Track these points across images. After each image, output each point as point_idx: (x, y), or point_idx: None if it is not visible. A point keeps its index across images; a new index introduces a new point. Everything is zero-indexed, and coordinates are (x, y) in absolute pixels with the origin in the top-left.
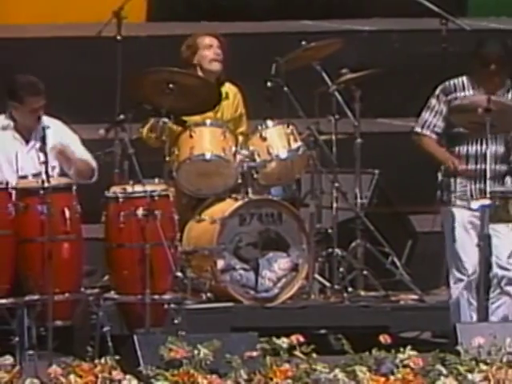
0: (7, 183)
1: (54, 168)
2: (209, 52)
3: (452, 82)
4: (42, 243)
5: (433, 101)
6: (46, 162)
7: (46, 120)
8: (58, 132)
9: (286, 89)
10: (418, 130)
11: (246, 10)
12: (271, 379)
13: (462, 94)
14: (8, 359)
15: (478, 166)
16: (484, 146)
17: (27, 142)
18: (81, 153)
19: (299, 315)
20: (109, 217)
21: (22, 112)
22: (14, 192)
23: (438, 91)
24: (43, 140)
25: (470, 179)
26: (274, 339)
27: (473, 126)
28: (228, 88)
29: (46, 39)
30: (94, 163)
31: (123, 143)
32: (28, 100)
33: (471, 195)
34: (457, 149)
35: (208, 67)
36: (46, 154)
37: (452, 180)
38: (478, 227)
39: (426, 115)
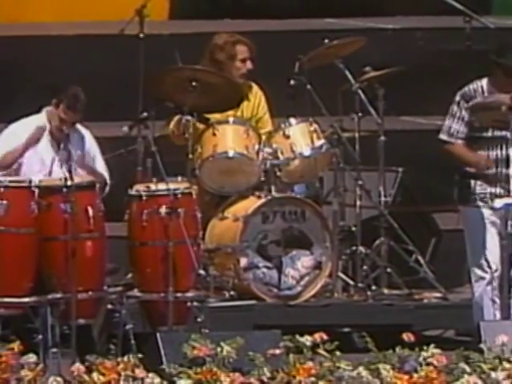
0: (30, 181)
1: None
2: (242, 66)
3: (471, 87)
4: (65, 241)
5: (454, 107)
6: (69, 161)
7: (80, 128)
8: (86, 142)
9: (309, 87)
10: (444, 137)
11: (269, 8)
12: (294, 377)
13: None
14: (31, 357)
15: (499, 170)
16: (504, 151)
17: (59, 145)
18: (98, 165)
19: (322, 313)
20: (132, 215)
21: (53, 114)
22: (36, 190)
23: (458, 97)
24: (67, 138)
25: (491, 183)
26: (298, 337)
27: (496, 125)
28: (249, 87)
29: (69, 37)
30: (107, 177)
31: (146, 141)
32: (63, 110)
33: (491, 197)
34: (478, 153)
35: (237, 79)
36: (69, 153)
37: (472, 181)
38: (499, 226)
39: (449, 122)
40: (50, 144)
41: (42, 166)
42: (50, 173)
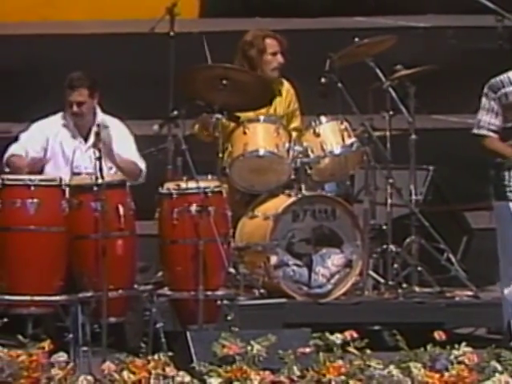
0: (61, 180)
1: (110, 168)
2: (273, 59)
3: (498, 78)
4: (95, 240)
5: (483, 100)
6: (99, 159)
7: (104, 118)
8: (114, 130)
9: (339, 85)
10: (476, 131)
11: (300, 7)
12: (324, 375)
13: (510, 88)
14: (62, 356)
15: None
16: None
17: (86, 140)
18: (131, 153)
19: (353, 311)
20: (162, 213)
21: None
22: (67, 189)
23: (486, 89)
24: (97, 136)
25: None
26: (328, 335)
27: None
28: (281, 84)
29: (100, 36)
30: (143, 165)
31: (176, 139)
32: (65, 92)
33: None
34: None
35: (268, 73)
36: (100, 151)
37: (506, 174)
38: None
39: (480, 115)
40: (77, 140)
41: (66, 162)
42: (72, 164)
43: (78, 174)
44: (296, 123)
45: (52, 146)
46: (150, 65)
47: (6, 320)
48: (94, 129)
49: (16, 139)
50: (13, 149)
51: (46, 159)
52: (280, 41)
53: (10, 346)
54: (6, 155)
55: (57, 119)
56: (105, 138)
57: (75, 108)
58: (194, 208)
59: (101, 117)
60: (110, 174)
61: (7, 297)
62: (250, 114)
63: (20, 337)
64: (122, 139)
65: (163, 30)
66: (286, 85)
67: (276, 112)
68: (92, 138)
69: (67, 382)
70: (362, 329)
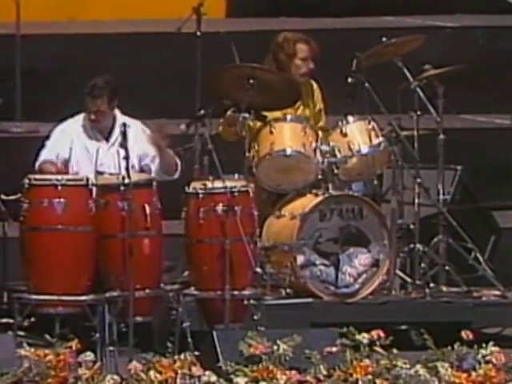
0: (87, 179)
1: (133, 167)
2: (303, 65)
3: None
4: (122, 239)
5: None
6: (127, 158)
7: (124, 119)
8: (137, 132)
9: (366, 84)
10: None
11: (327, 6)
12: (351, 375)
13: None
14: (89, 355)
15: None
16: None
17: (107, 139)
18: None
19: (380, 311)
20: (189, 213)
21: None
22: (94, 188)
23: None
24: (124, 136)
25: None
26: (353, 330)
27: None
28: (311, 86)
29: (126, 35)
30: (177, 160)
31: (203, 138)
32: (86, 99)
33: None
34: None
35: (297, 78)
36: (126, 150)
37: None
38: None
39: None
40: (99, 139)
41: (89, 162)
42: (96, 163)
43: (102, 173)
44: (322, 122)
45: (76, 146)
46: (177, 64)
47: (33, 319)
48: (120, 129)
49: (42, 145)
50: (43, 155)
51: (71, 159)
52: (312, 46)
53: (38, 346)
54: (38, 162)
55: (79, 120)
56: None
57: (93, 116)
58: (220, 207)
59: (121, 119)
60: (137, 173)
61: (35, 296)
62: (277, 114)
63: (47, 336)
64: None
65: (190, 29)
66: (313, 85)
67: (303, 113)
68: (114, 138)
69: (94, 382)
70: (389, 328)
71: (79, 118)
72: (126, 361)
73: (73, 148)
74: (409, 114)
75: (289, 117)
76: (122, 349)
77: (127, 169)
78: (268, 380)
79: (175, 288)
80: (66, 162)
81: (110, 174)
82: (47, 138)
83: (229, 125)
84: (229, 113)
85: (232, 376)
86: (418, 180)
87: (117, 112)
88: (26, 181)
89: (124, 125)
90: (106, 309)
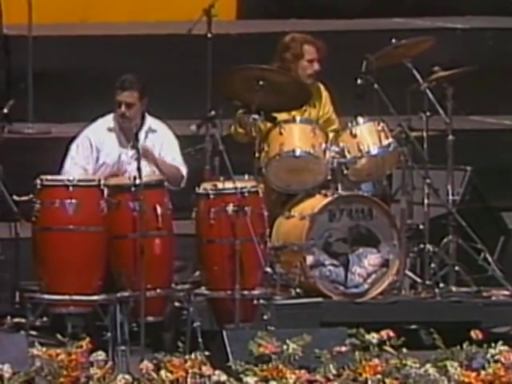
0: (99, 180)
1: (154, 171)
2: (309, 66)
3: None
4: (133, 239)
5: None
6: (138, 159)
7: (153, 122)
8: (160, 135)
9: (376, 86)
10: None
11: (337, 8)
12: (360, 374)
13: None
14: (101, 355)
15: None
16: None
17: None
18: (174, 158)
19: (389, 310)
20: (199, 213)
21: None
22: (106, 189)
23: None
24: (136, 138)
25: None
26: (363, 333)
27: None
28: (316, 88)
29: (138, 37)
30: (184, 171)
31: (214, 139)
32: (115, 92)
33: None
34: None
35: (303, 79)
36: (138, 151)
37: None
38: None
39: None
40: (123, 144)
41: (112, 165)
42: (120, 167)
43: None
44: (334, 126)
45: (99, 153)
46: (188, 66)
47: (45, 319)
48: (142, 135)
49: (66, 151)
50: (68, 166)
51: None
52: (319, 48)
53: (50, 345)
54: (63, 172)
55: (103, 123)
56: (147, 153)
57: (123, 108)
58: (230, 208)
59: (149, 121)
60: (149, 174)
61: (47, 296)
62: (286, 115)
63: (59, 336)
64: (168, 144)
65: (200, 31)
66: (321, 88)
67: (310, 115)
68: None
69: (106, 381)
70: (399, 328)
71: (103, 122)
72: (138, 360)
73: (96, 156)
74: (418, 115)
75: (298, 118)
76: (133, 348)
77: (139, 169)
78: (278, 379)
79: (186, 288)
80: (96, 170)
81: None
82: (72, 140)
83: (240, 126)
84: (239, 113)
85: (242, 375)
86: (428, 180)
87: (147, 116)
88: (38, 181)
89: (146, 132)
90: (117, 308)
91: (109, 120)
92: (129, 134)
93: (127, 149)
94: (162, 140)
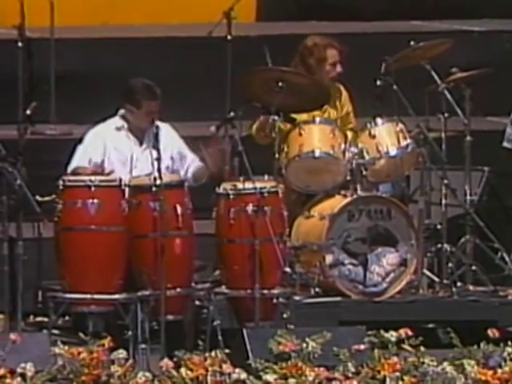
0: (120, 180)
1: (167, 168)
2: (332, 69)
3: None
4: (154, 239)
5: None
6: (158, 159)
7: (157, 123)
8: (168, 135)
9: (395, 87)
10: (506, 145)
11: (356, 11)
12: (379, 372)
13: None
14: (121, 353)
15: None
16: None
17: (141, 142)
18: (193, 157)
19: (407, 309)
20: (219, 213)
21: (137, 115)
22: (127, 189)
23: None
24: (156, 137)
25: None
26: (382, 332)
27: None
28: (338, 89)
29: (158, 39)
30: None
31: (233, 140)
32: (145, 104)
33: None
34: None
35: (326, 82)
36: (158, 151)
37: None
38: None
39: (509, 129)
40: (133, 142)
41: (122, 165)
42: (131, 170)
43: (138, 177)
44: (351, 125)
45: (109, 149)
46: (208, 68)
47: (67, 318)
48: (152, 131)
49: (75, 149)
50: (76, 161)
51: (104, 163)
52: (340, 50)
53: (72, 344)
54: (71, 168)
55: (111, 123)
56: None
57: (156, 116)
58: (250, 208)
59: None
60: (169, 174)
61: (69, 295)
62: (305, 116)
63: (81, 334)
64: (181, 144)
65: (220, 33)
66: (341, 89)
67: (330, 115)
68: (147, 140)
69: (126, 379)
70: (417, 327)
71: (112, 122)
72: (158, 358)
73: (106, 152)
74: (436, 116)
75: (318, 119)
76: (153, 346)
77: (159, 170)
78: (297, 377)
79: (206, 287)
80: (99, 167)
81: (147, 175)
82: (80, 141)
83: (261, 128)
84: (262, 118)
85: (261, 373)
86: (445, 181)
87: None
88: (61, 182)
89: (156, 127)
90: (138, 307)
91: (116, 120)
92: (138, 133)
93: (136, 146)
94: (172, 138)
